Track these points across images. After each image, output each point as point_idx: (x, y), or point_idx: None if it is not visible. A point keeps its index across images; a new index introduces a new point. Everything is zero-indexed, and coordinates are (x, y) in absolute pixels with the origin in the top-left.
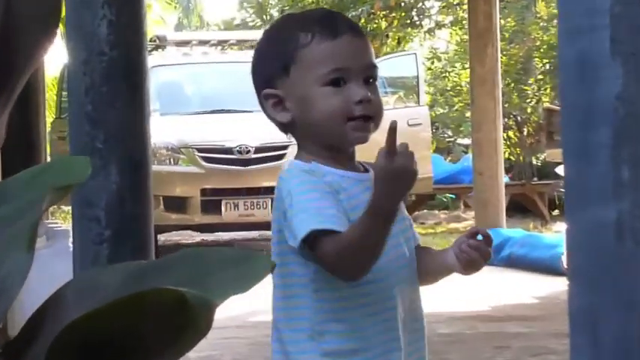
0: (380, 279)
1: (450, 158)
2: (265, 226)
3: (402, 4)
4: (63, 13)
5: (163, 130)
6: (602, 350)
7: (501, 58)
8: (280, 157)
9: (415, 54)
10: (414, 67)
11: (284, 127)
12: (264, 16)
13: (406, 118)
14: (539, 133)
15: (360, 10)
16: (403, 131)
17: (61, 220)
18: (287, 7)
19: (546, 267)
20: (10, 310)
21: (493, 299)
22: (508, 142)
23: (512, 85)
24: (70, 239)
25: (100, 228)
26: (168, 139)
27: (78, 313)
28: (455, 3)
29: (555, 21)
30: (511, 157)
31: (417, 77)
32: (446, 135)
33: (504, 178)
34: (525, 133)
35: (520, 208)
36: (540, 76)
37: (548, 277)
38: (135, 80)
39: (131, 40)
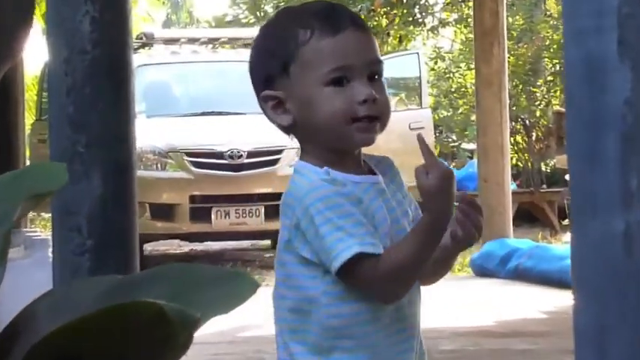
0: None
1: (454, 164)
2: (258, 235)
3: (404, 0)
4: (44, 9)
5: (150, 133)
6: None
7: (509, 58)
8: (274, 162)
9: (417, 53)
10: (417, 68)
11: (286, 130)
12: (258, 13)
13: (408, 121)
14: (548, 137)
15: (359, 6)
16: (405, 135)
17: (41, 228)
18: (282, 3)
19: (556, 280)
20: None
21: (498, 314)
22: (515, 147)
23: (520, 86)
24: (50, 249)
25: (81, 238)
26: (155, 143)
27: (53, 326)
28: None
29: None
30: (519, 163)
31: (420, 78)
32: (450, 139)
33: (511, 185)
34: (534, 137)
35: (528, 217)
36: (550, 78)
37: (557, 291)
38: (119, 80)
39: (115, 37)
